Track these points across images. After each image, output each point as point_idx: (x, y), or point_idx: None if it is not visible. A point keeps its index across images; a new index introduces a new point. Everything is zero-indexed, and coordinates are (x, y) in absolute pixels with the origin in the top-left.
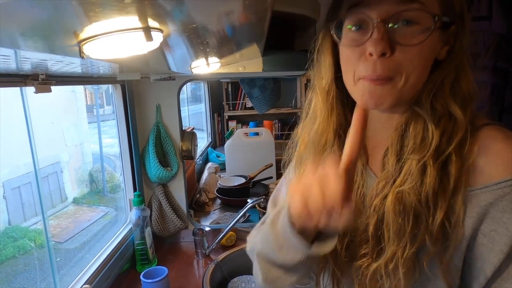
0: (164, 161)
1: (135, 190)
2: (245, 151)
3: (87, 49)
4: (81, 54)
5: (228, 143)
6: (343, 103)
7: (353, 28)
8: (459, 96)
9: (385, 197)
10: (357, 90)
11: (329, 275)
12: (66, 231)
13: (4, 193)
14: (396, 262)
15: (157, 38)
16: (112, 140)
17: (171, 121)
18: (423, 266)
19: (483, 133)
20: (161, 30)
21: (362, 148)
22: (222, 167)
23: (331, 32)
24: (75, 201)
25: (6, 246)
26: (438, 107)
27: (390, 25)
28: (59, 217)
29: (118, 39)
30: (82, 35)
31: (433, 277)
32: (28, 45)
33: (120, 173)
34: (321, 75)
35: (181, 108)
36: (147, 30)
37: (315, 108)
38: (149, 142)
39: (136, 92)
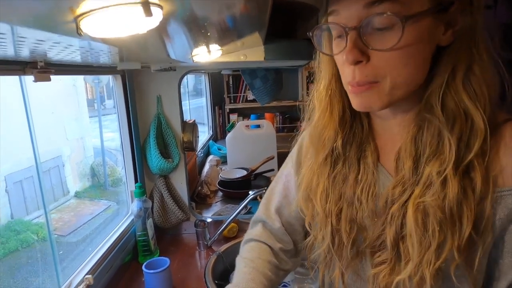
0: (165, 153)
1: (136, 181)
2: (246, 143)
3: (84, 25)
4: (78, 31)
5: (229, 135)
6: (343, 101)
7: (335, 36)
8: (475, 88)
9: (403, 205)
10: (348, 94)
11: (333, 270)
12: (68, 225)
13: (6, 187)
14: (421, 275)
15: (157, 14)
16: (113, 134)
17: (172, 112)
18: (449, 273)
19: (507, 130)
20: (160, 6)
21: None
22: (223, 160)
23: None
24: (77, 194)
25: (9, 239)
26: (451, 105)
27: (362, 32)
28: (61, 210)
29: (116, 14)
30: (79, 10)
31: (459, 280)
32: (24, 20)
33: (122, 167)
34: (321, 73)
35: (182, 102)
36: (146, 4)
37: (316, 106)
38: (150, 133)
39: (137, 83)
